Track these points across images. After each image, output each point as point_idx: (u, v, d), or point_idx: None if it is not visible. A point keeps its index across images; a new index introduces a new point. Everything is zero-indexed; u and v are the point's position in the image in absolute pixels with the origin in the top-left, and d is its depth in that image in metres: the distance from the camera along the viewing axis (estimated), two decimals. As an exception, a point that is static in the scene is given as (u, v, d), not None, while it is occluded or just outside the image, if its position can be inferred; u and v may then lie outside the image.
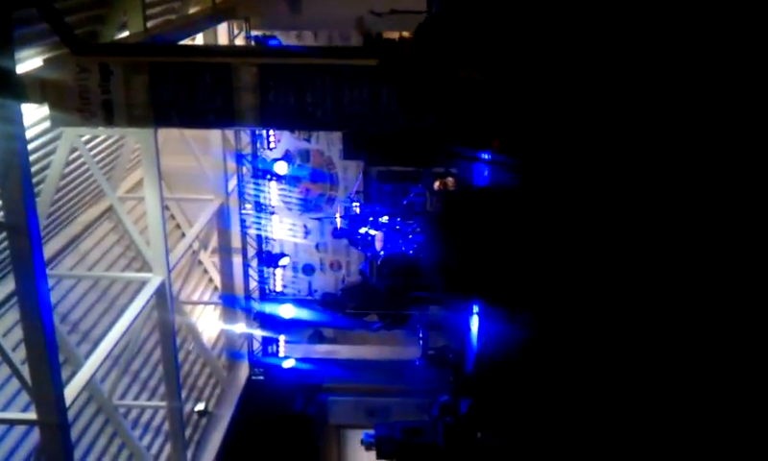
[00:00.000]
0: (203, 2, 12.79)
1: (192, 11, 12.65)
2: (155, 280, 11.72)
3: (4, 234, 9.03)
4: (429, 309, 15.58)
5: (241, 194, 15.40)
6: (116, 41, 9.94)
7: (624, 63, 4.63)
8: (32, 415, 9.23)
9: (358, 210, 15.15)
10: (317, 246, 16.22)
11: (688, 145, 4.20)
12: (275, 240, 16.07)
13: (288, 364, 16.46)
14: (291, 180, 15.68)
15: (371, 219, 14.55)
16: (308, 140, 15.59)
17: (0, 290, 10.96)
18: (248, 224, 15.62)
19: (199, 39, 12.74)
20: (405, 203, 14.76)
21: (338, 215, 15.35)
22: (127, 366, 12.99)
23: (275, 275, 16.19)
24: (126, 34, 10.22)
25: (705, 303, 4.17)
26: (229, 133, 14.90)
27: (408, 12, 12.00)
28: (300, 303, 16.44)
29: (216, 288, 17.64)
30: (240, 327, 16.44)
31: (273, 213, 15.79)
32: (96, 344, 11.24)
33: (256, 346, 16.38)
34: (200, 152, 14.84)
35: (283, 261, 15.98)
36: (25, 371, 8.91)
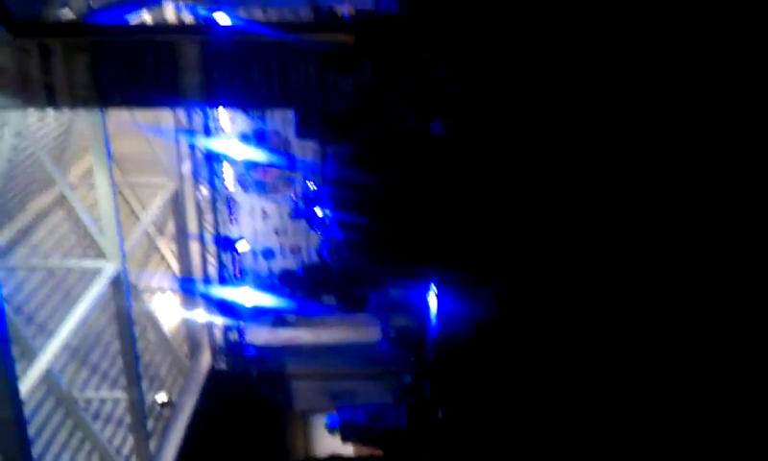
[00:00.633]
0: (149, -20, 12.53)
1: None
2: (110, 268, 11.52)
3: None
4: (389, 290, 15.58)
5: (196, 177, 15.19)
6: (57, 22, 9.68)
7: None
8: (-12, 409, 9.04)
9: (315, 191, 15.06)
10: (276, 231, 16.09)
11: (675, 143, 4.19)
12: (232, 224, 15.91)
13: (251, 351, 16.36)
14: (247, 162, 15.52)
15: (328, 199, 14.48)
16: (263, 120, 15.41)
17: (-51, 283, 10.72)
18: (203, 208, 15.44)
19: (145, 17, 12.48)
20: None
21: (293, 195, 15.26)
22: (85, 357, 12.79)
23: (233, 259, 16.04)
24: (69, 13, 9.95)
25: (672, 276, 4.17)
26: (181, 113, 14.67)
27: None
28: (259, 286, 16.32)
29: (174, 275, 17.41)
30: (200, 315, 16.27)
31: (229, 198, 15.63)
32: (52, 336, 11.02)
33: (218, 333, 16.24)
34: (151, 134, 14.57)
35: (241, 245, 15.83)
36: (-22, 365, 8.71)
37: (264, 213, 15.95)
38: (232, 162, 15.33)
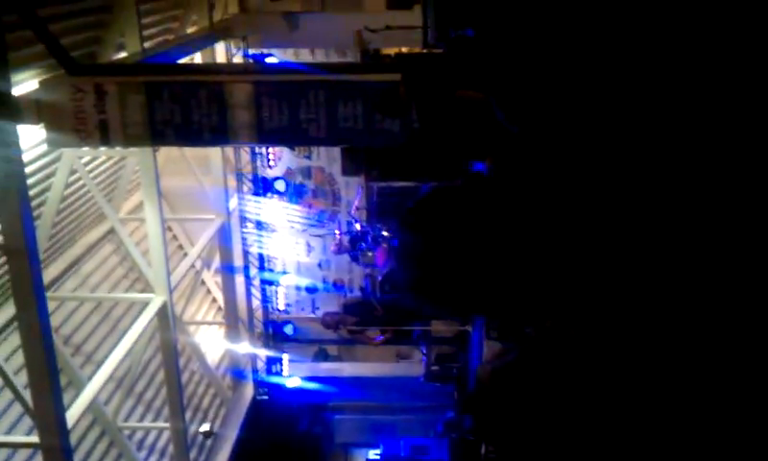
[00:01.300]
0: (200, 22, 12.86)
1: (190, 30, 12.72)
2: (157, 301, 11.69)
3: (4, 259, 9.02)
4: (431, 324, 15.55)
5: (242, 212, 15.42)
6: (112, 62, 9.99)
7: (621, 81, 4.62)
8: (34, 438, 9.19)
9: (359, 227, 15.17)
10: (319, 264, 16.20)
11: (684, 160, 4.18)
12: (277, 258, 16.07)
13: (292, 383, 16.41)
14: (292, 197, 15.70)
15: (372, 235, 14.56)
16: (309, 157, 15.63)
17: (1, 314, 10.97)
18: (249, 242, 15.63)
19: (197, 59, 12.81)
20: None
21: (337, 231, 15.35)
22: (130, 387, 12.97)
23: (277, 293, 16.17)
24: (123, 54, 10.27)
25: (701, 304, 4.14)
26: (229, 151, 14.94)
27: (403, 28, 12.13)
28: (303, 319, 16.42)
29: (219, 308, 17.63)
30: (244, 347, 16.41)
31: (274, 231, 15.80)
32: (99, 366, 11.21)
33: (260, 365, 16.34)
34: (200, 171, 14.88)
35: (285, 279, 15.97)
36: (27, 394, 8.88)
37: (308, 247, 16.09)
38: (278, 198, 15.52)
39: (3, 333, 10.87)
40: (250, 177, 15.19)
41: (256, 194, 15.31)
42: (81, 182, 11.81)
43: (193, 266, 14.82)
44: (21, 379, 9.51)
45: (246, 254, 15.69)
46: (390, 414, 17.96)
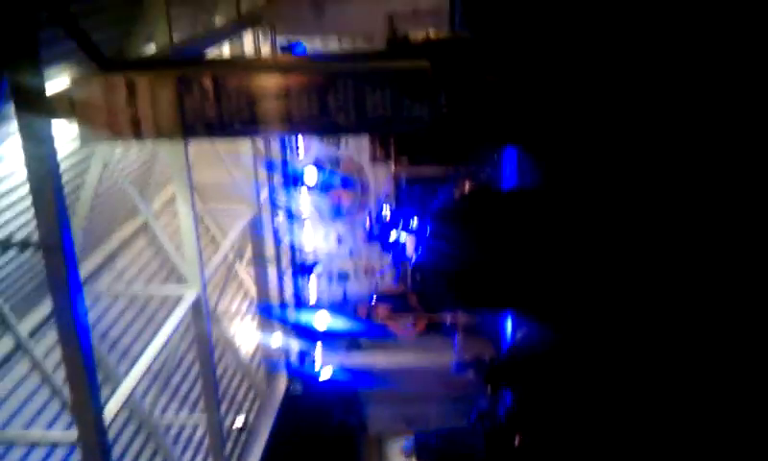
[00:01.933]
0: (228, 12, 12.85)
1: (218, 21, 12.72)
2: (190, 294, 11.73)
3: (41, 255, 9.07)
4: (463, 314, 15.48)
5: (273, 203, 15.44)
6: (142, 57, 10.01)
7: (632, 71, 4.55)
8: (73, 434, 9.27)
9: (388, 215, 15.12)
10: (350, 253, 16.20)
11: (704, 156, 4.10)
12: (308, 249, 16.09)
13: (325, 374, 16.43)
14: (322, 187, 15.70)
15: (401, 223, 14.51)
16: (338, 146, 15.61)
17: (39, 311, 11.08)
18: (281, 233, 15.65)
19: (226, 50, 12.81)
20: (434, 204, 14.70)
21: (367, 219, 15.34)
22: (166, 381, 13.04)
23: (309, 283, 16.19)
24: (152, 47, 10.29)
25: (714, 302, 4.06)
26: (260, 142, 14.95)
27: (429, 13, 12.04)
28: (335, 309, 16.43)
29: (252, 299, 17.68)
30: (277, 339, 16.45)
31: (305, 221, 15.82)
32: (135, 360, 11.28)
33: (294, 357, 16.38)
34: (231, 163, 14.90)
35: (317, 269, 15.99)
36: (65, 390, 8.94)
37: (338, 237, 16.08)
38: (308, 188, 15.51)
39: (41, 330, 10.99)
40: (280, 168, 15.19)
41: (286, 185, 15.31)
42: (114, 178, 11.87)
43: (226, 258, 14.86)
44: (59, 376, 9.59)
45: (278, 244, 15.71)
46: (423, 403, 17.93)
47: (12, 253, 10.04)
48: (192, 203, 11.26)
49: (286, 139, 14.69)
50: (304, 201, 15.65)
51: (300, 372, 16.53)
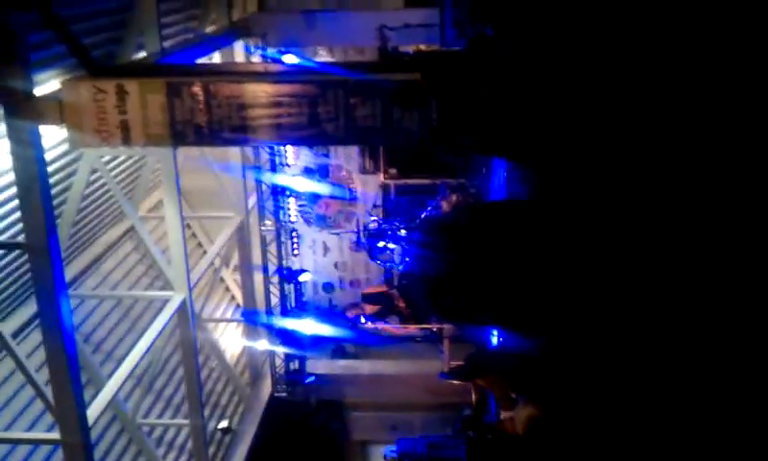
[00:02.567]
0: (219, 21, 12.91)
1: (209, 29, 12.78)
2: (176, 298, 11.77)
3: (26, 256, 9.11)
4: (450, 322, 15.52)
5: (261, 211, 15.47)
6: (133, 62, 10.06)
7: (632, 78, 4.63)
8: (56, 435, 9.28)
9: (376, 225, 15.17)
10: (335, 265, 16.25)
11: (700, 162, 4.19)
12: (294, 256, 16.11)
13: (310, 380, 16.46)
14: (310, 195, 15.74)
15: (389, 233, 14.55)
16: (327, 155, 15.66)
17: (23, 312, 11.09)
18: (267, 240, 15.68)
19: (216, 58, 12.86)
20: (422, 216, 14.77)
21: (355, 229, 15.39)
22: (150, 384, 13.06)
23: (296, 290, 16.22)
24: (143, 54, 10.34)
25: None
26: (248, 150, 14.99)
27: (421, 26, 12.14)
28: (321, 317, 16.44)
29: (238, 305, 17.70)
30: (262, 344, 16.47)
31: (293, 230, 15.84)
32: (119, 363, 11.30)
33: (279, 362, 16.40)
34: (219, 170, 14.94)
35: (303, 277, 16.01)
36: (49, 391, 8.97)
37: (325, 247, 16.12)
38: (296, 196, 15.56)
39: (25, 331, 11.00)
40: (268, 175, 15.24)
41: (274, 193, 15.36)
42: (101, 181, 11.90)
43: (212, 264, 14.89)
44: (43, 376, 9.61)
45: (264, 251, 15.75)
46: (407, 411, 17.96)
47: (-2, 253, 10.08)
48: (179, 208, 11.31)
49: (275, 147, 14.73)
50: (292, 209, 15.68)
51: (285, 377, 16.53)
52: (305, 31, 12.86)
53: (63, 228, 10.62)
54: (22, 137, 7.61)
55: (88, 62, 8.03)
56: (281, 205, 15.48)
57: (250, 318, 16.47)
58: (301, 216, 15.87)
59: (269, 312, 16.13)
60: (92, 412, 9.53)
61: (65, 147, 9.88)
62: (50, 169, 9.24)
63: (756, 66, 3.99)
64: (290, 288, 16.15)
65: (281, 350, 16.30)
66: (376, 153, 14.64)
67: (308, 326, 16.26)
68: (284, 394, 16.62)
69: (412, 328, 16.05)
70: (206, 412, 13.89)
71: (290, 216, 15.71)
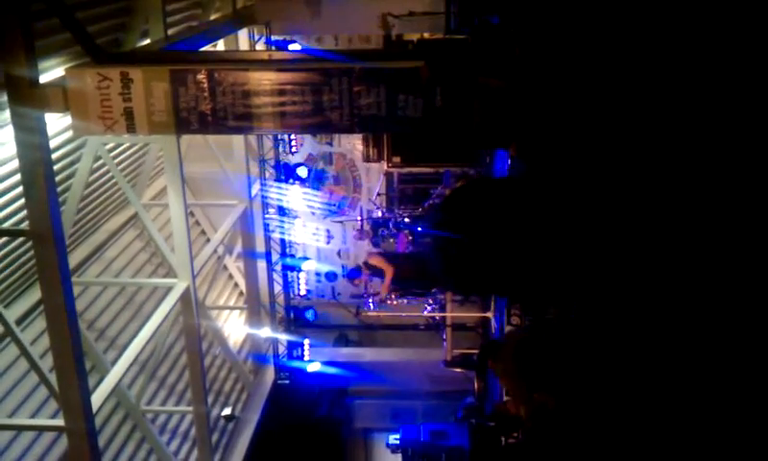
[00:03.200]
0: (223, 8, 12.88)
1: (213, 17, 12.74)
2: (180, 286, 11.78)
3: (30, 243, 9.11)
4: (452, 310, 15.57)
5: (264, 198, 15.48)
6: (137, 49, 10.04)
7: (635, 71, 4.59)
8: (59, 422, 9.31)
9: (380, 213, 15.18)
10: (338, 252, 16.26)
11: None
12: (298, 244, 16.13)
13: (313, 368, 16.50)
14: (314, 183, 15.74)
15: (392, 221, 14.57)
16: (330, 144, 15.66)
17: (27, 298, 11.12)
18: (271, 228, 15.69)
19: (220, 45, 12.83)
20: (426, 204, 14.79)
21: (359, 217, 15.38)
22: (153, 372, 13.10)
23: (298, 279, 16.24)
24: (147, 41, 10.31)
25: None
26: (252, 137, 14.99)
27: (426, 14, 12.10)
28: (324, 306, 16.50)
29: (241, 293, 17.74)
30: (265, 332, 16.51)
31: (296, 217, 15.86)
32: (123, 350, 11.33)
33: (282, 350, 16.45)
34: (223, 157, 14.94)
35: (306, 265, 16.03)
36: (53, 378, 8.99)
37: (329, 235, 16.14)
38: (300, 183, 15.56)
39: (29, 318, 11.03)
40: (272, 163, 15.24)
41: (278, 180, 15.35)
42: (105, 169, 11.90)
43: (215, 251, 14.91)
44: (47, 363, 9.64)
45: (268, 239, 15.76)
46: (409, 399, 18.03)
47: (1, 240, 10.09)
48: (183, 195, 11.30)
49: (279, 135, 14.72)
50: (296, 197, 15.68)
51: (288, 365, 16.58)
52: (309, 18, 12.81)
53: (67, 215, 10.62)
54: (26, 125, 7.59)
55: (93, 50, 8.01)
56: (284, 192, 15.48)
57: (252, 305, 16.51)
58: (305, 204, 15.88)
59: (272, 300, 16.17)
60: (96, 399, 9.55)
61: (69, 134, 9.86)
62: (54, 157, 9.24)
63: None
64: (293, 276, 16.18)
65: (284, 337, 16.35)
66: (380, 141, 14.63)
67: (311, 314, 16.31)
68: (287, 381, 16.68)
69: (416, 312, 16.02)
70: (210, 399, 13.93)
71: (293, 204, 15.71)
